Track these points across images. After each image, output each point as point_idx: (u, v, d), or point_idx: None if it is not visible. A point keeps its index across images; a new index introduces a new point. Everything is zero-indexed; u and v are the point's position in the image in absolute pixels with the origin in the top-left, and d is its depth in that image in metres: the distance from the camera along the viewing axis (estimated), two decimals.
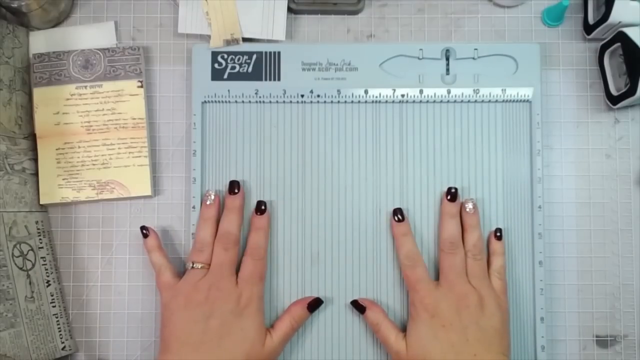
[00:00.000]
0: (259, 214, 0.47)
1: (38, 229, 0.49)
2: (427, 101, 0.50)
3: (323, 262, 0.49)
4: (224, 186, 0.49)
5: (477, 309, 0.44)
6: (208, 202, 0.47)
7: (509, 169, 0.49)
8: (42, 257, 0.48)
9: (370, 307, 0.47)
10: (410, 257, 0.46)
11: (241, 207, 0.48)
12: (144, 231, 0.48)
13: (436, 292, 0.45)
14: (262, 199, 0.48)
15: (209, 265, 0.46)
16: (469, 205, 0.47)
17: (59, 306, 0.49)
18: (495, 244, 0.47)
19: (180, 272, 0.48)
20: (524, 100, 0.50)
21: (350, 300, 0.48)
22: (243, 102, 0.50)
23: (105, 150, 0.50)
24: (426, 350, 0.43)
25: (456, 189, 0.48)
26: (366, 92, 0.50)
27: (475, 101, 0.50)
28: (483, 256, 0.46)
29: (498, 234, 0.48)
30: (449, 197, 0.47)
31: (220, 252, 0.46)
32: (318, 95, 0.50)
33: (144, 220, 0.50)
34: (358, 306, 0.47)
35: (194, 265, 0.46)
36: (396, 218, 0.48)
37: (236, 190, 0.47)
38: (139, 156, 0.50)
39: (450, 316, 0.44)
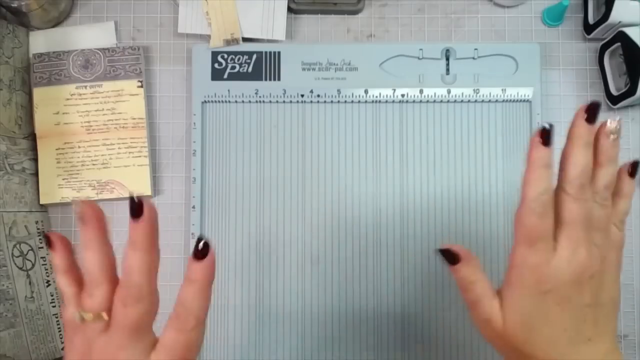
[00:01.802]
0: (197, 258, 0.30)
1: (38, 229, 0.49)
2: (427, 101, 0.50)
3: (323, 262, 0.49)
4: (224, 186, 0.49)
5: (599, 279, 0.32)
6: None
7: (509, 169, 0.49)
8: (42, 257, 0.48)
9: (466, 260, 0.34)
10: (543, 202, 0.32)
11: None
12: (49, 240, 0.31)
13: (555, 259, 0.32)
14: (203, 239, 0.31)
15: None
16: (611, 128, 0.33)
17: (59, 306, 0.49)
18: (626, 182, 0.34)
19: None
20: (524, 100, 0.50)
21: (437, 248, 0.34)
22: (243, 102, 0.50)
23: (105, 150, 0.50)
24: (532, 332, 0.32)
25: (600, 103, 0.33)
26: (366, 92, 0.50)
27: (475, 101, 0.50)
28: (610, 202, 0.33)
29: (631, 170, 0.34)
30: (586, 117, 0.33)
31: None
32: (318, 95, 0.50)
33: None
34: (449, 255, 0.34)
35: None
36: (539, 139, 0.33)
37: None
38: (139, 156, 0.50)
39: (569, 292, 0.32)
